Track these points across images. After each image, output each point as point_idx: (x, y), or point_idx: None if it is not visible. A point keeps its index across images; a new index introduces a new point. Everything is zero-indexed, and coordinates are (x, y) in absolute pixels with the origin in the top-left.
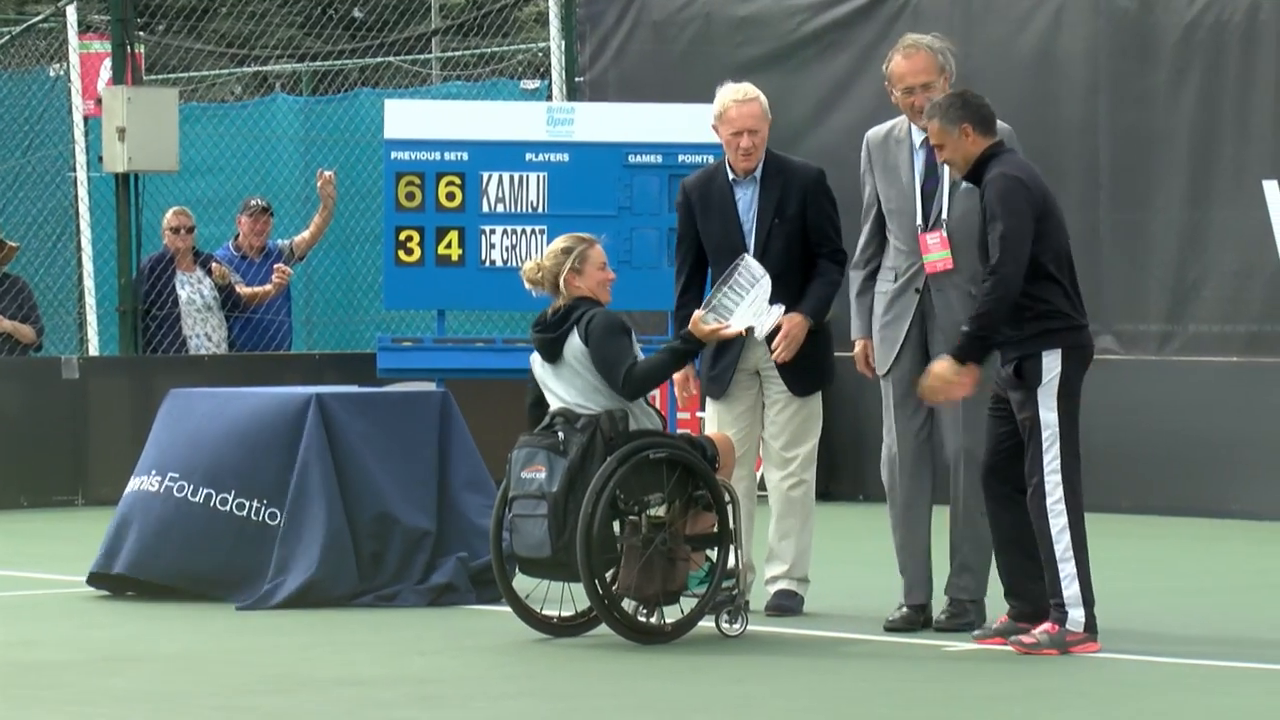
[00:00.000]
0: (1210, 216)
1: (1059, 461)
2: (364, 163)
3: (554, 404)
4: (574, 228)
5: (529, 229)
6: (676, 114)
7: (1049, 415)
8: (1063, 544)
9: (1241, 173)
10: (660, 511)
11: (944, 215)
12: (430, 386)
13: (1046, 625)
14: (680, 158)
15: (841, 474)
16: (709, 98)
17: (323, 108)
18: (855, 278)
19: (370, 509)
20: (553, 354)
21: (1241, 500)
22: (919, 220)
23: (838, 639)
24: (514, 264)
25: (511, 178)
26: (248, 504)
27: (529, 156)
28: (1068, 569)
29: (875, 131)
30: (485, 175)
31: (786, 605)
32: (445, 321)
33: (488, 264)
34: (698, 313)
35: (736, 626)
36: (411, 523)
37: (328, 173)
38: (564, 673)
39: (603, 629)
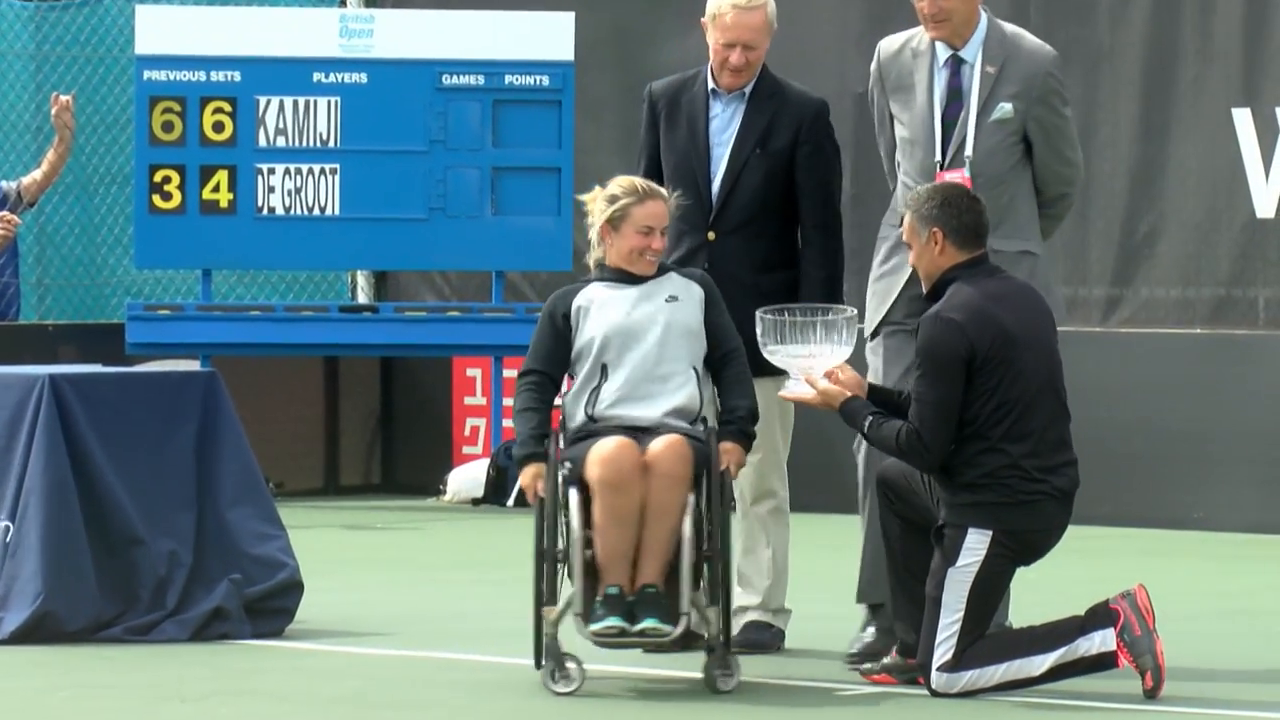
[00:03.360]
0: (1167, 153)
1: (951, 652)
2: (110, 84)
3: None
4: (373, 165)
5: (317, 169)
6: (501, 24)
7: (954, 603)
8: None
9: (1205, 99)
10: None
11: (968, 151)
12: (193, 366)
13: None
14: (507, 78)
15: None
16: (540, 4)
17: (58, 16)
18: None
19: (114, 522)
20: None
21: (1204, 507)
22: (938, 154)
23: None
24: (298, 212)
25: (295, 104)
26: None
27: (317, 77)
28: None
29: (889, 42)
30: (262, 100)
31: (758, 640)
32: (211, 284)
33: (265, 212)
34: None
35: (731, 681)
36: (164, 543)
37: (64, 97)
38: None
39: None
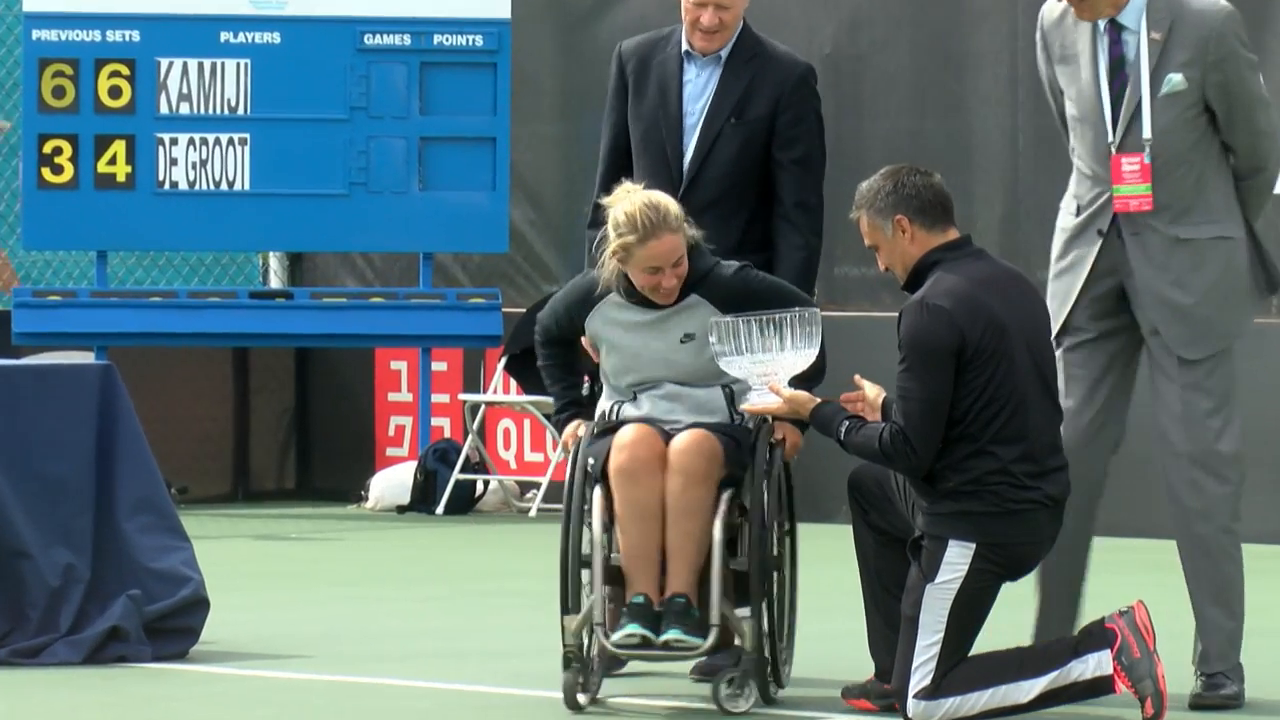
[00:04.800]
0: None
1: (930, 678)
2: None
3: None
4: (287, 133)
5: (225, 139)
6: None
7: (933, 623)
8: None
9: None
10: None
11: (1146, 132)
12: (87, 358)
13: None
14: (436, 38)
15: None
16: None
17: None
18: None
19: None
20: None
21: None
22: (1109, 135)
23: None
24: (203, 187)
25: (200, 66)
26: None
27: (225, 37)
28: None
29: (1049, 9)
30: (164, 63)
31: (717, 664)
32: (107, 267)
33: (167, 187)
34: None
35: (741, 702)
36: (58, 556)
37: None
38: None
39: None
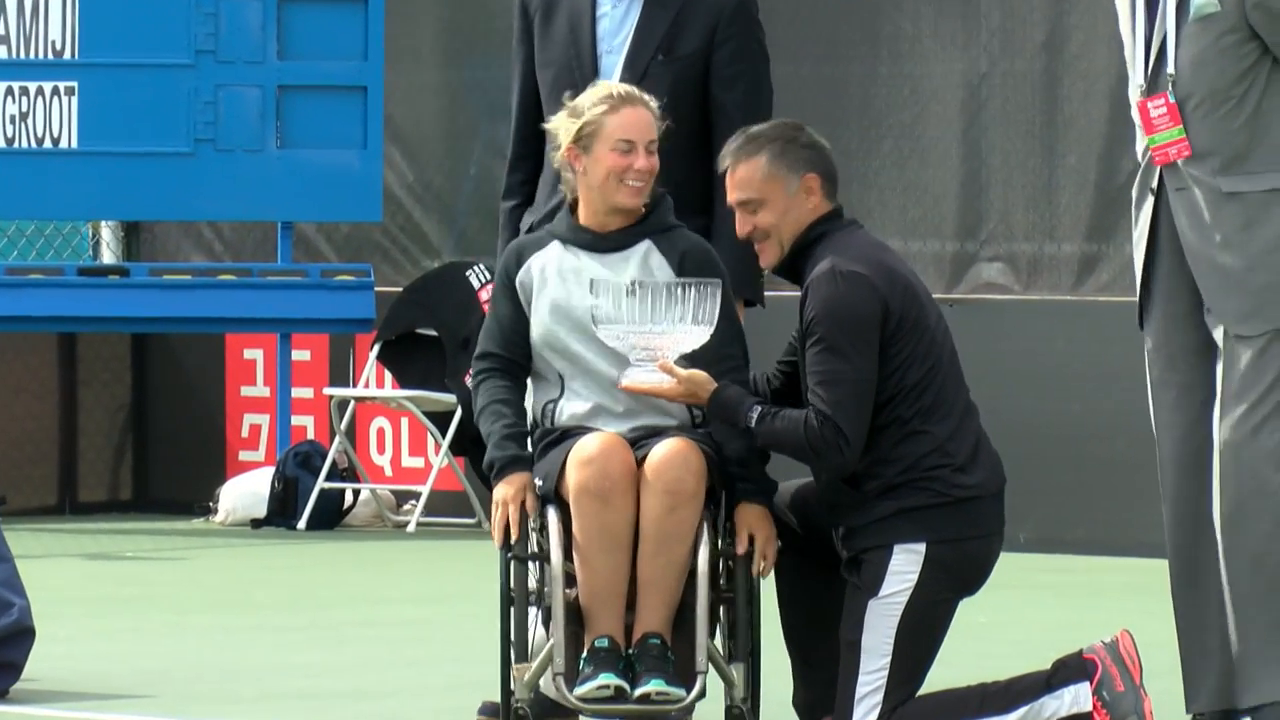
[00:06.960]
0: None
1: (877, 713)
2: None
3: None
4: (122, 82)
5: (48, 88)
6: None
7: (878, 645)
8: None
9: None
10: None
11: (1169, 67)
12: None
13: None
14: None
15: None
16: None
17: None
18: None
19: None
20: None
21: None
22: (1138, 75)
23: None
24: (24, 144)
25: (20, 3)
26: None
27: None
28: None
29: None
30: None
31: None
32: None
33: None
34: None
35: None
36: None
37: None
38: None
39: None
